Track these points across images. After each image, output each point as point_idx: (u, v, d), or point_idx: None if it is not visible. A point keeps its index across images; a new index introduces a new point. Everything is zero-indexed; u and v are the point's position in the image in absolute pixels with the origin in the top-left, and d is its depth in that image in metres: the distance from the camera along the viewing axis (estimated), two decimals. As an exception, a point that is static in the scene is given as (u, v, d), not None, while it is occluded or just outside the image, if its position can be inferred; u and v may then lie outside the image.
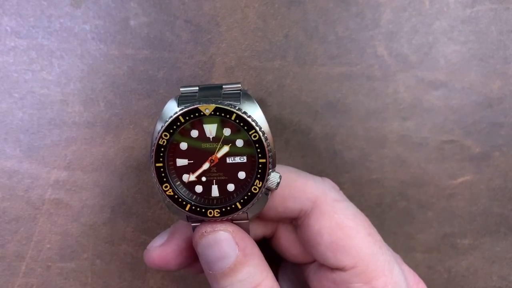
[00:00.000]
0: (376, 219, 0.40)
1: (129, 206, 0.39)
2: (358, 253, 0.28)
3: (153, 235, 0.39)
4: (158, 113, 0.38)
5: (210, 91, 0.28)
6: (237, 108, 0.27)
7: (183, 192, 0.28)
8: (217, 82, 0.38)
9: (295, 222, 0.31)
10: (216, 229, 0.28)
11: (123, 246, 0.39)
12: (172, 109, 0.28)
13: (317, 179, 0.30)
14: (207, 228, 0.28)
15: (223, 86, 0.28)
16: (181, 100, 0.28)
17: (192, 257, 0.31)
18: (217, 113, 0.27)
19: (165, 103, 0.28)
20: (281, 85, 0.38)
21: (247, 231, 0.29)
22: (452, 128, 0.39)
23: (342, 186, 0.32)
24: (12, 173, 0.37)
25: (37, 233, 0.38)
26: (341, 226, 0.29)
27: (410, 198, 0.40)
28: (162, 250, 0.31)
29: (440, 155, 0.39)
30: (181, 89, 0.28)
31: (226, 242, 0.28)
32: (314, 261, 0.31)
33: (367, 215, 0.31)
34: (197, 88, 0.28)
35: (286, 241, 0.32)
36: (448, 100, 0.39)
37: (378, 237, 0.30)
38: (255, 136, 0.27)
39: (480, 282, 0.41)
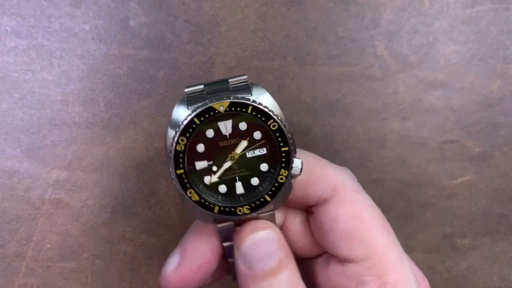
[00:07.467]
0: (376, 219, 0.40)
1: (129, 206, 0.39)
2: (372, 245, 0.28)
3: (153, 235, 0.39)
4: (158, 113, 0.38)
5: (217, 86, 0.27)
6: (251, 100, 0.26)
7: (208, 194, 0.27)
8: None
9: (310, 209, 0.31)
10: (264, 226, 0.28)
11: (123, 246, 0.39)
12: (182, 112, 0.27)
13: (336, 167, 0.30)
14: (259, 224, 0.28)
15: (229, 80, 0.27)
16: (190, 101, 0.27)
17: (210, 269, 0.30)
18: (232, 109, 0.26)
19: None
20: (281, 85, 0.38)
21: (273, 221, 0.29)
22: (452, 128, 0.39)
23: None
24: (12, 173, 0.37)
25: (37, 233, 0.38)
26: (359, 216, 0.28)
27: (410, 198, 0.40)
28: (179, 272, 0.29)
29: (440, 155, 0.39)
30: (185, 90, 0.27)
31: (271, 242, 0.27)
32: (320, 254, 0.31)
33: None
34: (202, 86, 0.27)
35: (294, 232, 0.31)
36: (448, 100, 0.39)
37: (392, 232, 0.29)
38: (274, 126, 0.26)
39: (480, 282, 0.41)
